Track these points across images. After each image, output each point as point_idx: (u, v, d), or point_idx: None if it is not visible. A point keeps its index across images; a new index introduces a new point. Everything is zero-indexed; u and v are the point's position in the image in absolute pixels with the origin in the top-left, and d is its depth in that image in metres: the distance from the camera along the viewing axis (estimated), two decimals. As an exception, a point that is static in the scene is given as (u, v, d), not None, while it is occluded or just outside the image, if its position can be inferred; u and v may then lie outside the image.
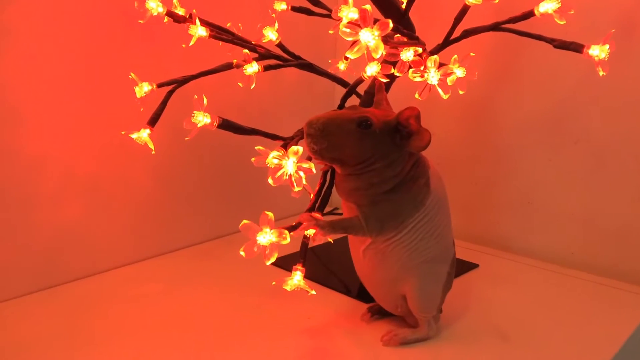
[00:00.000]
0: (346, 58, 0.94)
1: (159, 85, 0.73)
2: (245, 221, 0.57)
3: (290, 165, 0.61)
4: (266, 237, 0.57)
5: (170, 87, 0.72)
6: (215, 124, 0.64)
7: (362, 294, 0.80)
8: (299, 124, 0.69)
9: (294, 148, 0.61)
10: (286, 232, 0.58)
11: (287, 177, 0.62)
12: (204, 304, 0.79)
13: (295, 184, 0.62)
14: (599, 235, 0.94)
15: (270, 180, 0.62)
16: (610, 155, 0.91)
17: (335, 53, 1.18)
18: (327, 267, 0.95)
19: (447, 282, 0.69)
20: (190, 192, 1.00)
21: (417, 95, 0.66)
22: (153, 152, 0.72)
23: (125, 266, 0.91)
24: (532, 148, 0.99)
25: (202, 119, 0.63)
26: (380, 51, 0.56)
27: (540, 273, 0.92)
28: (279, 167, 0.62)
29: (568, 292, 0.85)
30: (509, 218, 1.04)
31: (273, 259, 0.58)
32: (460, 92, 0.69)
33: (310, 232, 0.63)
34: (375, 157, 0.61)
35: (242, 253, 0.57)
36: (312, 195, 0.69)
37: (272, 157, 0.62)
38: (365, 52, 0.70)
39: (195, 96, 0.64)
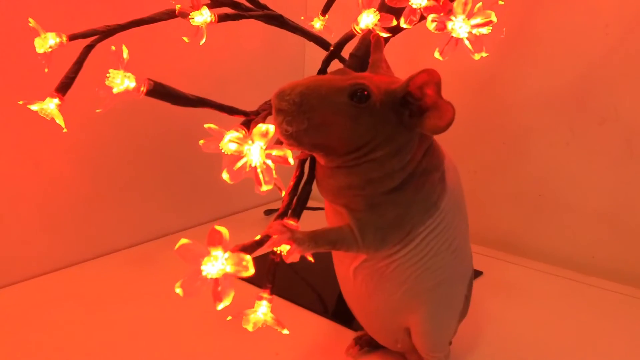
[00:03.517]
0: (323, 14, 0.79)
1: (72, 38, 0.59)
2: (183, 241, 0.38)
3: (256, 151, 0.43)
4: (217, 265, 0.38)
5: (88, 41, 0.58)
6: (143, 89, 0.45)
7: (342, 315, 0.69)
8: (263, 98, 0.56)
9: (261, 127, 0.43)
10: (248, 258, 0.39)
11: (251, 170, 0.44)
12: (138, 326, 0.67)
13: (262, 179, 0.43)
14: (627, 235, 0.86)
15: (224, 175, 0.44)
16: (642, 139, 0.83)
17: (306, 10, 1.07)
18: (297, 275, 0.80)
19: (464, 309, 0.57)
20: (120, 182, 0.90)
21: (437, 54, 0.50)
22: (65, 130, 0.58)
23: (35, 278, 0.80)
24: (547, 130, 0.90)
25: (122, 81, 0.44)
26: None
27: (556, 281, 0.84)
28: (238, 154, 0.44)
29: (592, 306, 0.77)
30: (515, 214, 0.96)
31: (228, 301, 0.39)
32: (484, 55, 0.54)
33: (284, 247, 0.45)
34: (375, 142, 0.47)
35: (178, 290, 0.38)
36: (284, 194, 0.52)
37: (229, 140, 0.44)
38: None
39: (113, 47, 0.47)
